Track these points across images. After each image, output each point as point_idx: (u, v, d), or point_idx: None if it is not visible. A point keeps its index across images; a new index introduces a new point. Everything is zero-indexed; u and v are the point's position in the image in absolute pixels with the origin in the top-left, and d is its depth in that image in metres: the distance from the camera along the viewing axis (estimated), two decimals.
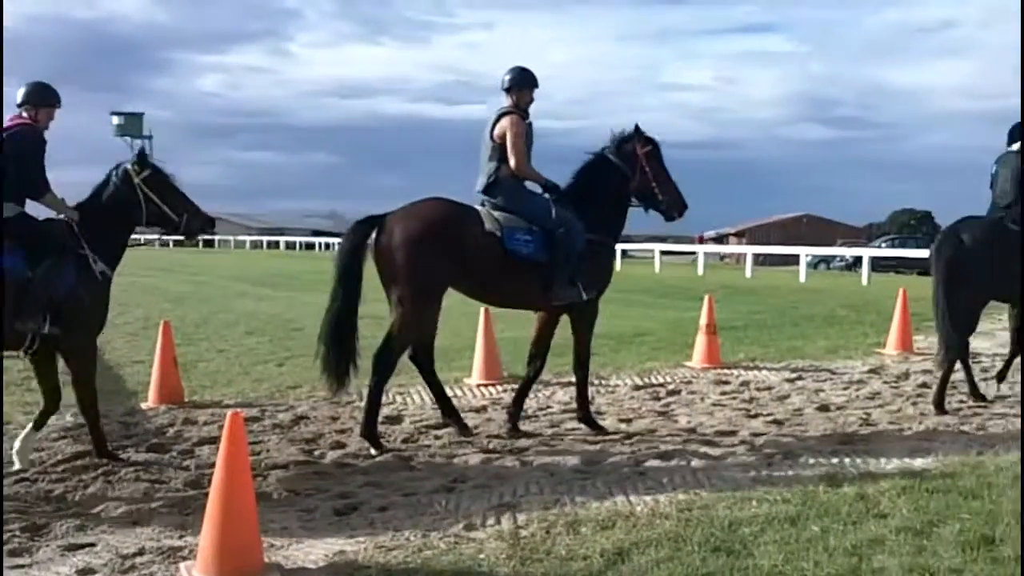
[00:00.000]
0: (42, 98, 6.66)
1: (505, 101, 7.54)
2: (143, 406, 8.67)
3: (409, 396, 9.08)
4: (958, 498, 5.61)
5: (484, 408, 8.62)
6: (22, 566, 4.68)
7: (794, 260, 35.77)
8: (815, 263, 41.10)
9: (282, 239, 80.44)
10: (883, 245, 45.54)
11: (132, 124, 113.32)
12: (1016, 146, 8.90)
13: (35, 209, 6.63)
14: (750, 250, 37.68)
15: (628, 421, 8.07)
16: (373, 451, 6.94)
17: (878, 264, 35.38)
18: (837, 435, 7.51)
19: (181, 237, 7.23)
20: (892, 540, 4.89)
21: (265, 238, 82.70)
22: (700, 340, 11.10)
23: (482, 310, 10.15)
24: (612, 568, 4.56)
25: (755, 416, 8.28)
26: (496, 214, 7.32)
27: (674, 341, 12.43)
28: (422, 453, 6.95)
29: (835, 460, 6.72)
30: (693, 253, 45.32)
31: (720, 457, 6.83)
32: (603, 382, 9.95)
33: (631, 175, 7.70)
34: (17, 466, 6.43)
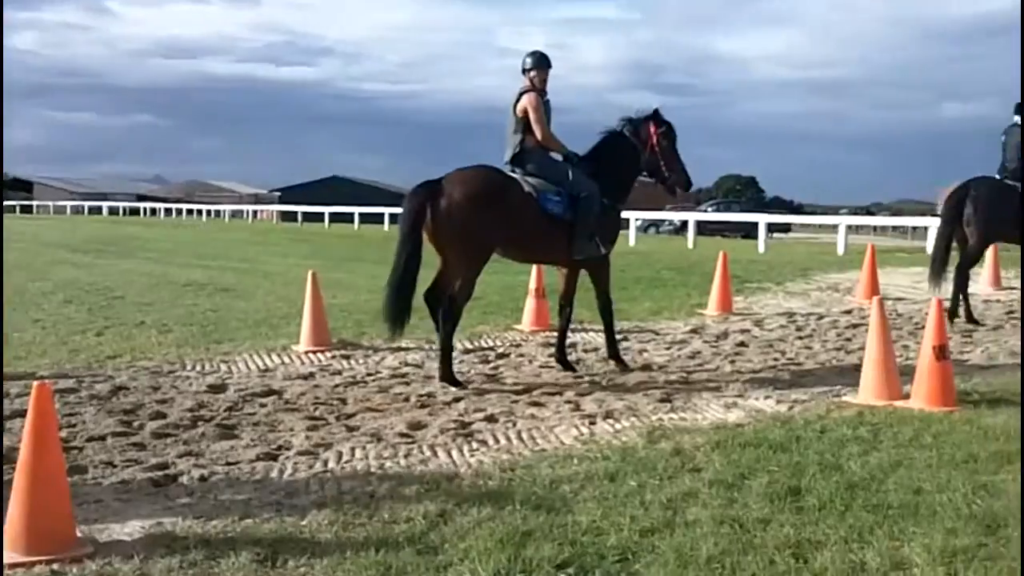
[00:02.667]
0: None
1: (524, 81, 8.55)
2: None
3: (234, 364, 8.90)
4: (768, 451, 5.89)
5: (312, 375, 8.52)
6: None
7: (624, 224, 36.56)
8: (645, 227, 42.12)
9: (105, 204, 77.16)
10: (709, 209, 47.12)
11: None
12: (1019, 118, 11.70)
13: None
14: None
15: (456, 384, 8.13)
16: (453, 388, 7.88)
17: (705, 228, 36.63)
18: (658, 393, 7.78)
19: None
20: (705, 493, 5.11)
21: (87, 203, 79.12)
22: (529, 304, 11.26)
23: (309, 276, 10.02)
24: (435, 530, 4.61)
25: (580, 377, 8.49)
26: (530, 179, 8.30)
27: (504, 305, 12.57)
28: (245, 422, 6.83)
29: (655, 418, 6.97)
30: None
31: (545, 418, 6.98)
32: (433, 346, 9.95)
33: (643, 151, 8.80)
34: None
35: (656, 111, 8.88)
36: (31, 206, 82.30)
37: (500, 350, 9.87)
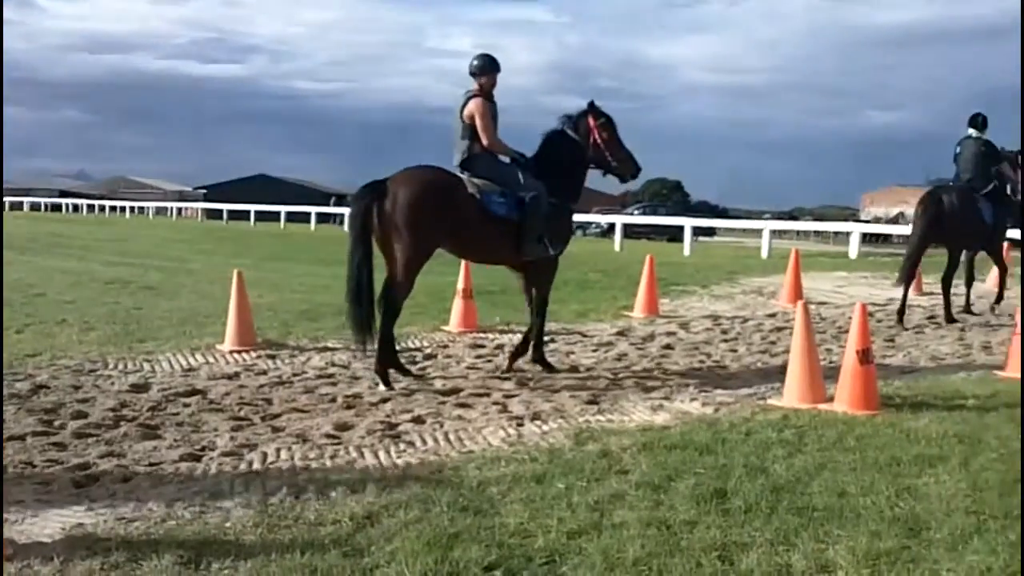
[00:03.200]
0: None
1: (473, 84, 8.57)
2: None
3: (158, 363, 8.75)
4: (694, 454, 5.95)
5: (237, 375, 8.41)
6: None
7: None
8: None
9: (27, 200, 75.29)
10: (636, 212, 47.51)
11: None
12: (973, 131, 12.82)
13: None
14: None
15: (387, 383, 8.09)
16: (382, 387, 7.94)
17: (631, 231, 36.93)
18: (585, 395, 7.83)
19: None
20: (632, 495, 5.14)
21: (8, 199, 77.04)
22: (457, 304, 11.25)
23: (235, 275, 9.89)
24: (361, 531, 4.58)
25: (507, 379, 8.50)
26: (476, 180, 8.39)
27: (431, 306, 12.53)
28: (169, 422, 6.71)
29: (582, 419, 7.00)
30: None
31: (473, 419, 6.98)
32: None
33: (586, 145, 8.85)
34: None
35: (592, 104, 8.90)
36: None
37: (427, 351, 9.85)
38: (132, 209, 65.68)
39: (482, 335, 10.75)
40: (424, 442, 6.33)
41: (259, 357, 9.20)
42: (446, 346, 10.20)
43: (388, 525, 4.66)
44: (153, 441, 6.19)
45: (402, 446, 6.22)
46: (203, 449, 6.03)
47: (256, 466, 5.69)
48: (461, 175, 8.45)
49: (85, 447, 6.01)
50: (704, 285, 16.51)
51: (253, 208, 52.38)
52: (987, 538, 4.56)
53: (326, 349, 9.68)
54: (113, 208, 68.16)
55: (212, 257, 22.08)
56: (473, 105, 8.45)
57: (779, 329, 11.66)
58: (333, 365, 8.96)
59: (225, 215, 55.95)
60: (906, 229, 36.46)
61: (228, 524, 4.68)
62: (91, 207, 70.47)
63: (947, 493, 5.23)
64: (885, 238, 40.98)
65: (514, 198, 8.43)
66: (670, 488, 5.27)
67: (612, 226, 34.17)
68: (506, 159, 8.64)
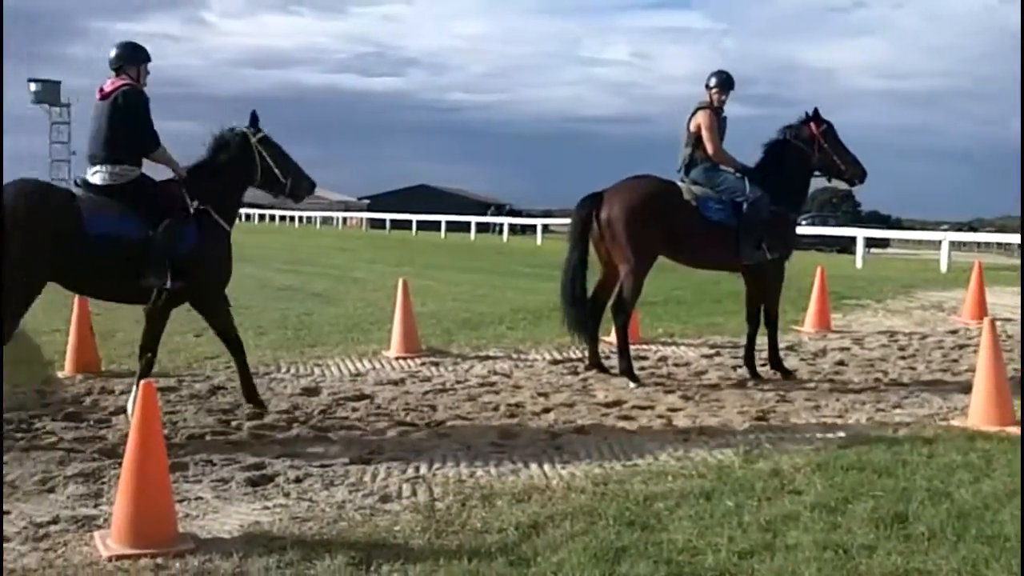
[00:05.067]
0: (136, 57, 6.98)
1: (705, 96, 9.01)
2: (59, 375, 8.46)
3: (327, 368, 8.98)
4: (872, 475, 5.70)
5: (402, 381, 8.55)
6: None
7: None
8: None
9: None
10: (804, 223, 46.26)
11: (49, 91, 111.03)
12: None
13: (155, 171, 6.97)
14: None
15: (546, 395, 8.07)
16: (632, 384, 8.45)
17: (799, 241, 35.93)
18: (753, 411, 7.61)
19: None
20: (806, 516, 4.95)
21: None
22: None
23: (400, 284, 10.08)
24: (526, 541, 4.56)
25: (672, 391, 8.35)
26: (694, 188, 8.79)
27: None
28: (338, 425, 6.87)
29: (751, 436, 6.80)
30: None
31: (636, 432, 6.88)
32: (521, 356, 9.95)
33: (811, 152, 9.06)
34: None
35: (815, 111, 9.14)
36: None
37: (588, 362, 9.77)
38: (299, 219, 67.99)
39: (645, 347, 10.60)
40: (588, 454, 6.27)
41: (423, 364, 9.33)
42: (608, 357, 10.09)
43: (553, 536, 4.62)
44: (324, 443, 6.34)
45: (566, 457, 6.18)
46: (371, 453, 6.14)
47: (422, 471, 5.75)
48: (681, 183, 8.87)
49: (261, 447, 6.21)
50: (878, 299, 15.85)
51: (415, 217, 53.46)
52: None
53: (488, 358, 9.74)
54: (282, 217, 70.72)
55: (375, 265, 22.62)
56: (701, 116, 8.87)
57: (961, 347, 11.06)
58: (495, 374, 9.00)
59: (388, 224, 57.28)
60: None
61: (397, 527, 4.73)
62: (261, 216, 73.29)
63: None
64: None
65: (732, 204, 8.75)
66: (846, 511, 5.06)
67: None
68: (726, 167, 8.94)
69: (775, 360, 9.18)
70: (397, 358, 9.56)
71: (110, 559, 4.24)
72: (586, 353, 9.25)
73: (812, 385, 8.81)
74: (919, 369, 9.71)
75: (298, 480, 5.50)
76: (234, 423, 6.81)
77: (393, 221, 57.03)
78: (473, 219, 49.90)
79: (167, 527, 4.41)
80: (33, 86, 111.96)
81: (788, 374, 9.09)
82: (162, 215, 6.60)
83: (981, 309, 13.03)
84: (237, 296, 15.02)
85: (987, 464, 5.97)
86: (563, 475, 5.75)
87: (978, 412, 7.09)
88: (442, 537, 4.62)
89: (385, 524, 4.79)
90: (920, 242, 40.90)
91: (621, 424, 7.12)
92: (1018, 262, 33.75)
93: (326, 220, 67.67)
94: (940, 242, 28.22)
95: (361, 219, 67.40)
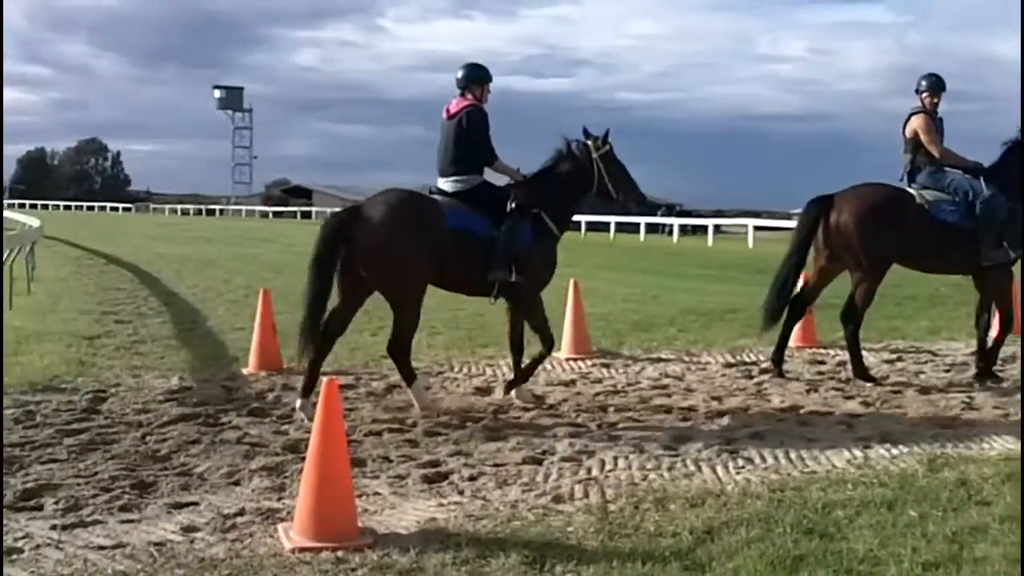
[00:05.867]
0: (480, 78, 7.71)
1: (916, 101, 8.97)
2: (243, 371, 8.87)
3: (499, 368, 9.11)
4: None
5: (573, 382, 8.60)
6: (131, 521, 4.84)
7: None
8: None
9: None
10: None
11: (232, 98, 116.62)
12: None
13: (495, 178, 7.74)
14: None
15: (719, 399, 7.97)
16: (868, 384, 8.52)
17: None
18: (937, 418, 7.32)
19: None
20: (995, 529, 4.74)
21: None
22: None
23: (571, 285, 10.13)
24: (701, 546, 4.51)
25: (851, 397, 8.10)
26: (924, 192, 8.71)
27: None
28: (511, 424, 6.96)
29: (935, 444, 6.53)
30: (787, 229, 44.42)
31: (814, 438, 6.70)
32: (694, 359, 9.85)
33: None
34: (519, 403, 7.59)
35: None
36: (311, 212, 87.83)
37: (764, 365, 9.58)
38: None
39: (822, 351, 10.32)
40: (764, 459, 6.15)
41: (594, 366, 9.36)
42: (784, 361, 9.88)
43: (729, 542, 4.56)
44: (497, 443, 6.44)
45: (740, 462, 6.08)
46: (544, 453, 6.20)
47: (595, 473, 5.77)
48: (910, 188, 8.80)
49: (436, 445, 6.35)
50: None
51: (583, 218, 53.49)
52: None
53: (659, 360, 9.68)
54: None
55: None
56: (916, 121, 8.82)
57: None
58: (667, 376, 8.94)
59: (584, 227, 57.47)
60: None
61: (570, 528, 4.76)
62: None
63: None
64: None
65: (965, 205, 8.60)
66: None
67: None
68: (955, 170, 8.84)
69: (989, 363, 8.91)
70: (568, 359, 9.62)
71: (293, 551, 4.41)
72: (770, 355, 9.18)
73: (999, 393, 8.39)
74: None
75: (472, 479, 5.61)
76: (409, 421, 6.99)
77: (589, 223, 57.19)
78: (643, 220, 49.54)
79: (347, 521, 4.56)
80: (217, 93, 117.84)
81: (999, 380, 8.77)
82: (503, 216, 7.37)
83: None
84: None
85: None
86: (738, 480, 5.66)
87: None
88: (615, 539, 4.63)
89: (558, 524, 4.83)
90: None
91: (797, 430, 6.96)
92: None
93: None
94: None
95: None
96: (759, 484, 5.55)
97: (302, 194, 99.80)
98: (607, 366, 9.36)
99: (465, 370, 9.02)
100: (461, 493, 5.35)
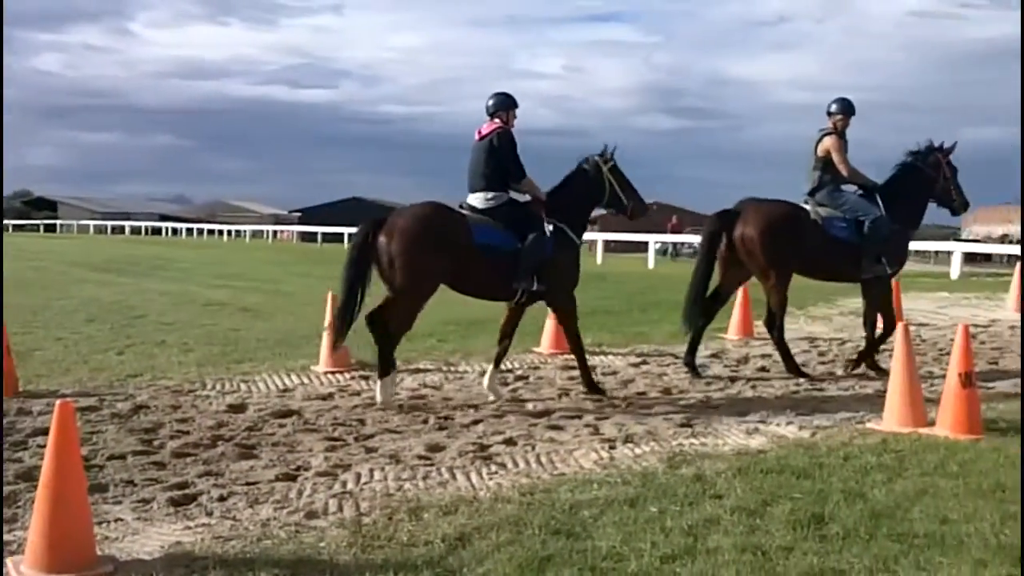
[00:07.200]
0: (508, 104, 8.49)
1: (828, 123, 9.84)
2: None
3: (254, 384, 8.90)
4: (791, 478, 5.82)
5: (331, 395, 8.52)
6: None
7: (643, 247, 36.42)
8: (663, 251, 41.87)
9: (127, 223, 77.72)
10: None
11: None
12: None
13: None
14: (600, 236, 38.09)
15: (475, 407, 8.11)
16: (802, 380, 9.39)
17: None
18: (679, 418, 7.73)
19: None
20: (727, 520, 5.05)
21: (109, 223, 79.61)
22: (548, 326, 11.21)
23: (329, 297, 10.01)
24: (453, 553, 4.58)
25: (599, 400, 8.44)
26: (820, 209, 9.67)
27: (523, 327, 12.50)
28: (265, 442, 6.82)
29: (675, 442, 6.91)
30: None
31: (565, 441, 6.94)
32: (452, 368, 9.97)
33: (936, 178, 9.87)
34: (491, 397, 8.37)
35: (943, 144, 9.93)
36: (55, 225, 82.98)
37: (519, 372, 9.84)
38: (230, 232, 67.23)
39: (572, 357, 10.65)
40: (516, 464, 6.31)
41: (353, 378, 9.30)
42: (537, 367, 10.18)
43: (480, 547, 4.65)
44: (250, 461, 6.28)
45: (494, 468, 6.21)
46: (298, 469, 6.10)
47: (350, 486, 5.73)
48: (806, 203, 9.76)
49: (184, 466, 6.13)
50: (800, 306, 16.14)
51: (347, 230, 53.13)
52: None
53: (418, 371, 9.74)
54: (211, 231, 69.88)
55: (306, 279, 22.39)
56: (829, 141, 9.71)
57: (879, 351, 11.33)
58: (425, 386, 9.01)
59: (320, 237, 56.88)
60: (1011, 249, 35.33)
61: (323, 544, 4.72)
62: (190, 230, 72.33)
63: None
64: (987, 258, 39.69)
65: (855, 222, 9.57)
66: (766, 513, 5.16)
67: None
68: (851, 188, 9.81)
69: (871, 355, 9.95)
70: (327, 372, 9.52)
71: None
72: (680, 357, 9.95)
73: (735, 391, 8.98)
74: (838, 374, 9.95)
75: (222, 499, 5.45)
76: (156, 443, 6.71)
77: (325, 234, 56.65)
78: None
79: (85, 550, 4.33)
80: None
81: (882, 372, 9.50)
82: (528, 231, 8.17)
83: (897, 315, 13.34)
84: (162, 312, 14.89)
85: (900, 464, 6.14)
86: (491, 486, 5.78)
87: (892, 414, 7.30)
88: (368, 552, 4.62)
89: (311, 541, 4.77)
90: None
91: (549, 434, 7.17)
92: (932, 268, 34.59)
93: (256, 233, 66.99)
94: None
95: (292, 232, 66.85)
96: (511, 488, 5.68)
97: (46, 206, 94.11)
98: (366, 378, 9.31)
99: (219, 387, 8.75)
100: (210, 514, 5.19)
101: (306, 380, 9.19)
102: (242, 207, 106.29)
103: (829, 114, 9.90)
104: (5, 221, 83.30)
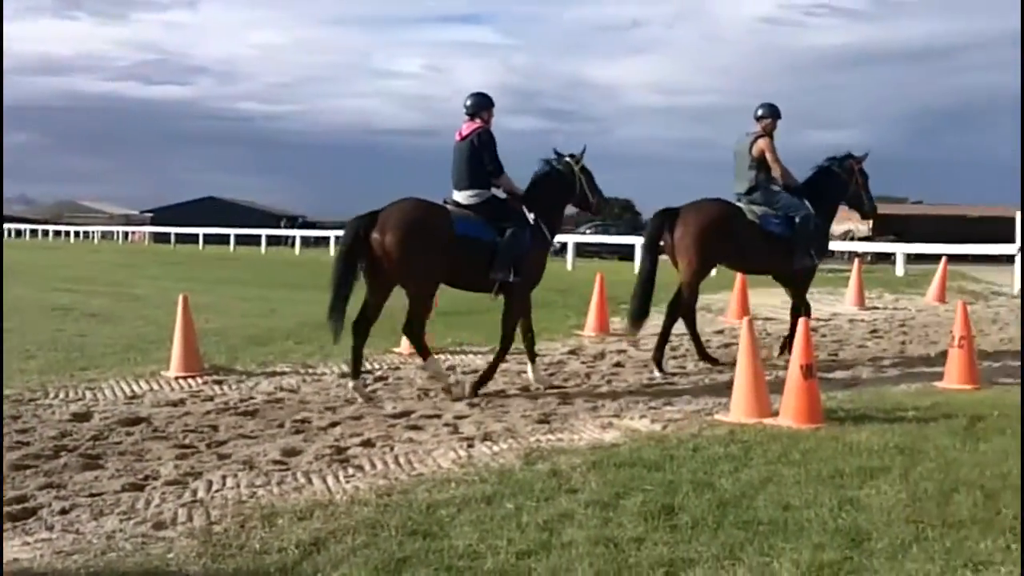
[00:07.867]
0: (486, 104, 8.92)
1: (756, 127, 10.46)
2: None
3: (101, 391, 8.59)
4: (643, 470, 5.95)
5: (182, 401, 8.29)
6: None
7: None
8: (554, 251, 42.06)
9: None
10: (587, 232, 47.60)
11: None
12: None
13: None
14: None
15: (333, 409, 8.02)
16: (657, 373, 9.76)
17: (583, 250, 37.01)
18: (536, 414, 7.81)
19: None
20: (581, 514, 5.13)
21: None
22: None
23: (180, 300, 9.76)
24: (308, 559, 4.52)
25: (458, 399, 8.46)
26: (754, 207, 10.26)
27: (382, 327, 12.44)
28: (111, 451, 6.58)
29: (532, 439, 6.98)
30: None
31: (423, 442, 6.93)
32: (310, 371, 9.84)
33: (848, 182, 10.75)
34: (539, 387, 9.07)
35: (859, 156, 10.81)
36: None
37: (378, 373, 9.78)
38: (77, 234, 64.78)
39: (435, 356, 10.64)
40: (373, 466, 6.27)
41: (205, 383, 9.08)
42: (397, 368, 10.14)
43: (335, 551, 4.60)
44: (95, 471, 6.05)
45: (351, 470, 6.15)
46: (146, 478, 5.92)
47: (201, 495, 5.59)
48: (739, 202, 10.32)
49: (23, 479, 5.87)
50: (654, 303, 16.54)
51: (202, 231, 51.87)
52: (925, 546, 4.63)
53: (275, 374, 9.59)
54: (57, 233, 67.24)
55: (159, 282, 21.77)
56: (764, 143, 10.33)
57: (726, 345, 11.74)
58: (281, 390, 8.87)
59: (173, 238, 55.37)
60: (853, 246, 36.96)
61: (171, 555, 4.59)
62: (34, 232, 69.45)
63: (888, 504, 5.28)
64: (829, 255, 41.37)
65: (787, 219, 10.25)
66: (619, 506, 5.27)
67: (564, 245, 34.11)
68: (778, 187, 10.40)
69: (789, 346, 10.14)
70: (177, 378, 9.26)
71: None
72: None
73: (591, 387, 9.14)
74: (689, 368, 10.27)
75: (64, 512, 5.23)
76: None
77: (179, 235, 55.17)
78: (264, 232, 48.83)
79: None
80: None
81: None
82: (508, 224, 8.61)
83: (744, 310, 13.85)
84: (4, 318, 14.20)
85: (746, 454, 6.36)
86: (347, 489, 5.72)
87: (739, 406, 7.55)
88: (219, 561, 4.52)
89: (158, 552, 4.63)
90: None
91: (408, 434, 7.15)
92: None
93: (106, 235, 64.74)
94: None
95: (144, 233, 64.80)
96: (368, 491, 5.64)
97: None
98: (220, 383, 9.11)
99: (62, 395, 8.41)
100: (51, 528, 4.98)
101: (156, 386, 8.92)
102: (91, 207, 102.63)
103: (758, 119, 10.51)
104: None
